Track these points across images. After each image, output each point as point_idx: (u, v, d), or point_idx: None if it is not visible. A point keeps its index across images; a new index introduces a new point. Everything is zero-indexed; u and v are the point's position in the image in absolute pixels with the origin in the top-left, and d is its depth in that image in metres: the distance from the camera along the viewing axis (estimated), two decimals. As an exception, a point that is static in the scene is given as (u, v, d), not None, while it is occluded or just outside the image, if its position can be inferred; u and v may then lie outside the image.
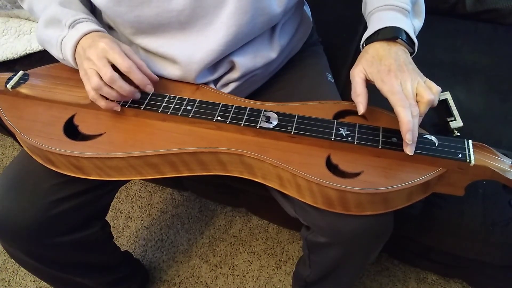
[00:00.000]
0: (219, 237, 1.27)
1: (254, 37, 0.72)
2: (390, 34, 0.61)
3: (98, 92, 0.65)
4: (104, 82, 0.63)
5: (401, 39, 0.61)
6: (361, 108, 0.60)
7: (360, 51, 0.65)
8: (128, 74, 0.63)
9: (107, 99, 0.66)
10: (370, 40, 0.63)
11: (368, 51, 0.62)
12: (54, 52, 0.70)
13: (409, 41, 0.62)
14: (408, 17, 0.65)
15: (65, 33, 0.66)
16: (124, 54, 0.64)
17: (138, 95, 0.68)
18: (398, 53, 0.60)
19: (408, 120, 0.55)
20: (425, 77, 0.60)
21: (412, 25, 0.65)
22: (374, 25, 0.64)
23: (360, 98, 0.60)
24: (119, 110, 0.67)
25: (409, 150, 0.57)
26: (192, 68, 0.69)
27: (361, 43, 0.66)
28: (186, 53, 0.69)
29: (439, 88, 0.58)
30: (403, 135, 0.56)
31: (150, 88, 0.66)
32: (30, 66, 0.80)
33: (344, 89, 0.93)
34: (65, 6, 0.69)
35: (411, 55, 0.63)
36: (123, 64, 0.63)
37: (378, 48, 0.61)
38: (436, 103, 0.58)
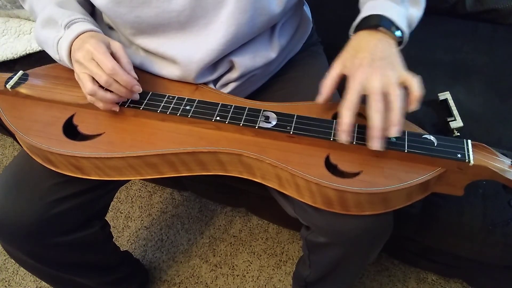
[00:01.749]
0: (219, 237, 1.27)
1: (253, 37, 0.72)
2: (372, 22, 0.62)
3: (94, 96, 0.65)
4: (98, 85, 0.63)
5: (383, 27, 0.61)
6: (319, 98, 0.63)
7: None
8: (112, 75, 0.62)
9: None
10: (357, 29, 0.65)
11: (351, 42, 0.63)
12: (51, 53, 0.69)
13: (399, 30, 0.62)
14: (402, 5, 0.64)
15: (62, 33, 0.66)
16: (109, 55, 0.62)
17: (136, 96, 0.67)
18: (378, 46, 0.60)
19: (344, 122, 0.57)
20: (404, 71, 0.58)
21: (408, 13, 0.64)
22: (362, 13, 0.65)
23: (324, 89, 0.62)
24: (117, 110, 0.67)
25: (375, 144, 0.56)
26: (192, 68, 0.69)
27: (349, 32, 0.67)
28: (185, 53, 0.69)
29: (416, 80, 0.57)
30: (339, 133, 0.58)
31: (137, 89, 0.65)
32: (30, 66, 0.79)
33: (344, 89, 0.93)
34: (62, 6, 0.69)
35: (400, 44, 0.63)
36: (107, 65, 0.61)
37: (360, 39, 0.63)
38: (415, 96, 0.56)
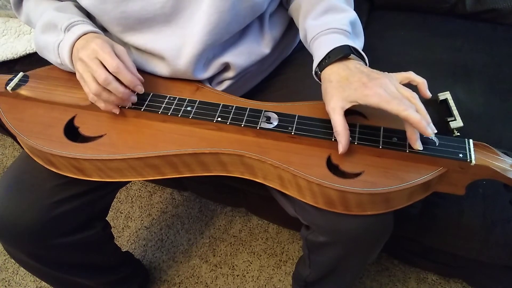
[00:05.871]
0: (219, 237, 1.27)
1: (241, 31, 0.71)
2: (342, 53, 0.61)
3: (98, 97, 0.65)
4: (103, 87, 0.63)
5: (353, 54, 0.61)
6: (340, 148, 0.58)
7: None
8: (116, 74, 0.62)
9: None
10: (322, 65, 0.62)
11: (330, 79, 0.60)
12: (52, 58, 0.69)
13: (359, 57, 0.63)
14: (350, 38, 0.65)
15: (62, 37, 0.66)
16: (114, 54, 0.63)
17: (134, 98, 0.67)
18: (357, 66, 0.60)
19: (419, 119, 0.54)
20: (394, 73, 0.60)
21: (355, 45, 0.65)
22: (321, 49, 0.63)
23: (339, 137, 0.58)
24: (117, 113, 0.67)
25: (418, 145, 0.57)
26: (180, 62, 0.69)
27: (314, 71, 0.65)
28: (172, 47, 0.69)
29: (411, 72, 0.59)
30: (423, 133, 0.55)
31: (140, 89, 0.66)
32: (30, 66, 0.80)
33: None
34: (60, 11, 0.69)
35: None
36: (111, 63, 0.61)
37: (338, 72, 0.60)
38: (423, 84, 0.58)
